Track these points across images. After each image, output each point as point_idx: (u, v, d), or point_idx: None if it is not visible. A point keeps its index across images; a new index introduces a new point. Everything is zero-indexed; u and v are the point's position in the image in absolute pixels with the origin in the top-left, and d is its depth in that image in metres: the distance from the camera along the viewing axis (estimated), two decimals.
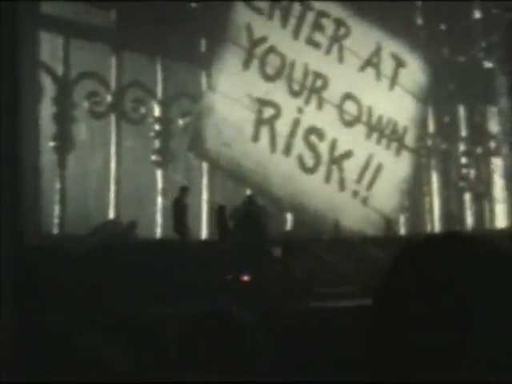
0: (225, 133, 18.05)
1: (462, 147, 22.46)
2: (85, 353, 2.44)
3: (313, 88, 19.35)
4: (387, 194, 20.23)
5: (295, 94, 19.12)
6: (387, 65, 20.57)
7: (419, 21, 22.20)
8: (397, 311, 1.39)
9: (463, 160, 22.40)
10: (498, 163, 22.42)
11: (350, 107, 19.81)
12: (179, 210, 15.65)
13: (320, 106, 19.41)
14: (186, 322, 2.31)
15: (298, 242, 15.43)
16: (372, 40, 20.31)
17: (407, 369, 1.37)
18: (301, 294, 12.19)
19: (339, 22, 19.85)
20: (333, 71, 19.62)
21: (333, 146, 19.50)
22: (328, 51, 19.67)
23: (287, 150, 18.91)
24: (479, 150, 22.67)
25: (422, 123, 21.46)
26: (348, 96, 19.76)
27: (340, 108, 19.68)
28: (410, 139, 20.89)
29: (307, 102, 19.27)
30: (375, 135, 20.19)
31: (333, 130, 19.51)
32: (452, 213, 22.08)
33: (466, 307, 1.34)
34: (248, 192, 17.93)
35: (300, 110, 19.14)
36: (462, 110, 22.65)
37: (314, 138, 19.28)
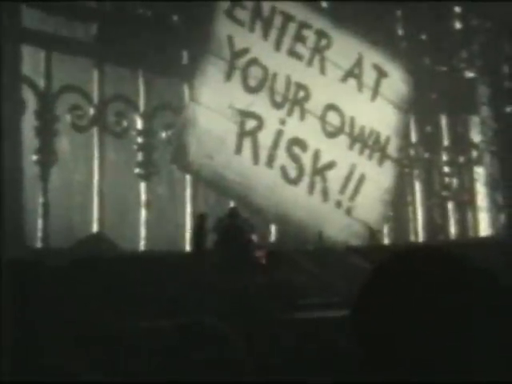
0: (207, 145, 18.03)
1: (444, 157, 22.55)
2: (64, 365, 2.44)
3: (295, 99, 19.37)
4: (370, 204, 20.26)
5: (278, 105, 19.13)
6: (369, 75, 20.62)
7: (400, 31, 22.32)
8: (374, 323, 1.40)
9: (446, 169, 22.49)
10: (480, 172, 22.52)
11: (333, 118, 19.84)
12: (200, 237, 15.51)
13: (302, 117, 19.44)
14: (168, 335, 2.30)
15: (281, 251, 15.46)
16: (353, 51, 20.36)
17: (389, 378, 1.38)
18: (284, 305, 12.18)
19: (321, 33, 19.90)
20: (315, 82, 19.66)
21: (316, 156, 19.52)
22: (310, 62, 19.70)
23: (270, 161, 18.91)
24: (461, 160, 22.77)
25: (404, 133, 21.52)
26: (330, 107, 19.80)
27: (322, 119, 19.71)
28: (392, 149, 20.94)
29: (290, 113, 19.29)
30: (358, 146, 20.22)
31: (316, 141, 19.53)
32: (435, 222, 22.15)
33: (442, 318, 1.35)
34: (231, 204, 17.94)
35: (282, 122, 19.15)
36: (443, 120, 22.75)
37: (296, 149, 19.29)
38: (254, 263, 14.50)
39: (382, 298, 1.39)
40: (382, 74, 20.88)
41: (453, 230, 22.35)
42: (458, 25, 22.68)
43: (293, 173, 19.24)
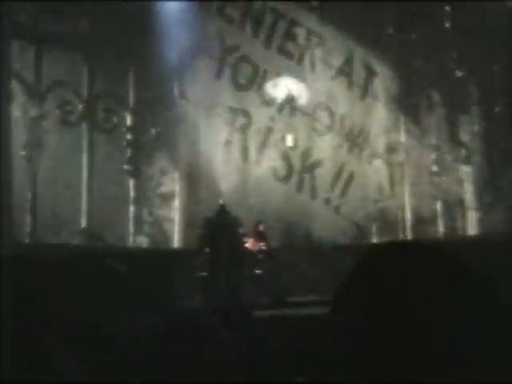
0: (197, 142, 18.04)
1: (433, 156, 22.55)
2: (58, 364, 2.44)
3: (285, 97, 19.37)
4: (359, 202, 20.27)
5: (267, 103, 19.14)
6: (359, 74, 20.63)
7: (390, 30, 22.30)
8: (353, 319, 1.43)
9: (434, 168, 22.49)
10: (468, 171, 22.54)
11: (322, 116, 19.84)
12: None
13: (292, 114, 19.44)
14: (157, 328, 2.32)
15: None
16: (344, 49, 20.38)
17: (369, 374, 1.40)
18: (272, 302, 12.20)
19: (311, 32, 19.90)
20: (305, 80, 19.67)
21: (305, 154, 19.53)
22: (300, 60, 19.70)
23: (259, 158, 18.92)
24: (450, 159, 22.77)
25: (393, 132, 21.53)
26: (320, 105, 19.80)
27: (312, 117, 19.71)
28: (381, 148, 20.95)
29: (279, 110, 19.29)
30: (347, 144, 20.24)
31: (305, 139, 19.54)
32: (423, 220, 22.17)
33: (423, 313, 1.38)
34: (220, 201, 17.95)
35: (272, 119, 19.16)
36: (433, 119, 22.75)
37: (286, 147, 19.30)
38: (242, 260, 14.51)
39: (361, 295, 1.41)
40: (372, 72, 20.90)
41: (441, 228, 22.36)
42: (448, 24, 22.69)
43: (282, 170, 19.25)
